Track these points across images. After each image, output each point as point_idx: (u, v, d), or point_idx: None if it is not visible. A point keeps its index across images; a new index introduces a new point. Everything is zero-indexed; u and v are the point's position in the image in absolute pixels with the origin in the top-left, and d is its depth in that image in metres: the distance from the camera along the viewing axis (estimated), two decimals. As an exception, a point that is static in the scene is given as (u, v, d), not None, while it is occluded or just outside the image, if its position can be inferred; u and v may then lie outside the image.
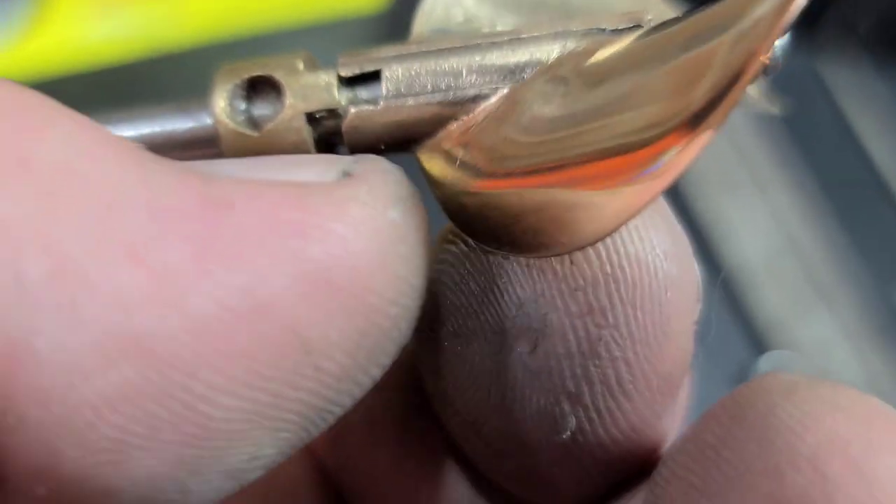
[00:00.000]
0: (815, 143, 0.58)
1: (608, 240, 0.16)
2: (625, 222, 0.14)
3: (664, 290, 0.16)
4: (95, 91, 0.51)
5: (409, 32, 0.19)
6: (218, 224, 0.13)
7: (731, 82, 0.12)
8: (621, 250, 0.16)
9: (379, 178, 0.15)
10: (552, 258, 0.16)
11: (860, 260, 0.53)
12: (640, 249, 0.16)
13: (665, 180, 0.13)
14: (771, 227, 0.54)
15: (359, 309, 0.14)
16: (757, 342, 0.50)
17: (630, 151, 0.13)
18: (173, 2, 0.52)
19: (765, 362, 0.49)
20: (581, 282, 0.16)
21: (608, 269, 0.16)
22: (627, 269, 0.16)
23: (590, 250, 0.16)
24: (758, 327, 0.50)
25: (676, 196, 0.54)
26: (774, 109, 0.17)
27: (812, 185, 0.56)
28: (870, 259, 0.53)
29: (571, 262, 0.16)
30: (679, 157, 0.13)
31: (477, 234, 0.16)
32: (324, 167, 0.15)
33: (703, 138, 0.13)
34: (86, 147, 0.13)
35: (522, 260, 0.16)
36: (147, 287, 0.12)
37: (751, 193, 0.55)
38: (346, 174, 0.15)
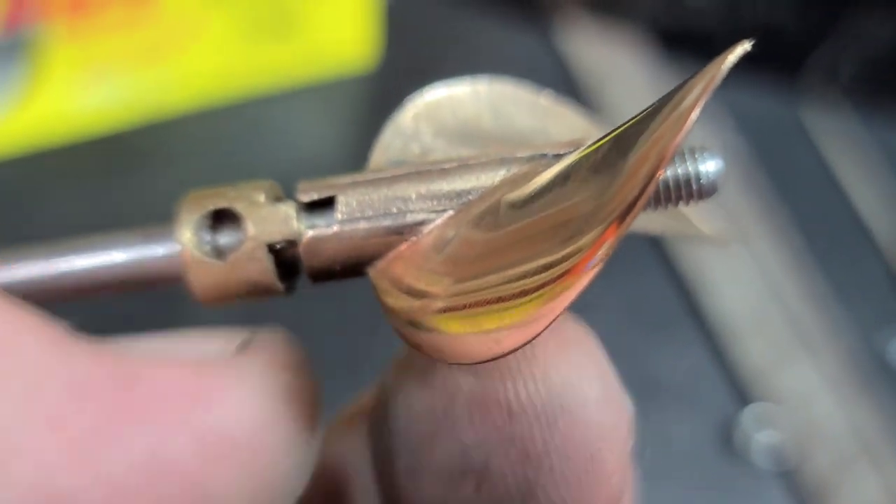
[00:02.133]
0: (798, 192, 0.59)
1: (544, 394, 0.17)
2: (522, 345, 0.16)
3: (596, 440, 0.17)
4: (92, 159, 0.52)
5: (398, 92, 0.20)
6: (126, 395, 0.15)
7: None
8: (556, 403, 0.17)
9: (272, 347, 0.17)
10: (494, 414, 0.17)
11: (844, 310, 0.54)
12: (572, 402, 0.17)
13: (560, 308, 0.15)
14: (754, 277, 0.55)
15: (254, 465, 0.16)
16: (741, 394, 0.50)
17: (527, 295, 0.15)
18: (166, 68, 0.53)
19: (749, 414, 0.49)
20: (518, 433, 0.17)
21: (543, 421, 0.17)
22: (560, 423, 0.17)
23: (526, 406, 0.17)
24: (742, 379, 0.51)
25: (659, 246, 0.55)
26: (724, 240, 0.18)
27: (795, 233, 0.57)
28: (854, 309, 0.54)
29: (510, 415, 0.17)
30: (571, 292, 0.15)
31: (421, 351, 0.17)
32: (225, 341, 0.17)
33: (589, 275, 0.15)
34: (13, 331, 0.15)
35: (466, 409, 0.18)
36: (65, 451, 0.14)
37: (734, 243, 0.56)
38: (245, 346, 0.17)
